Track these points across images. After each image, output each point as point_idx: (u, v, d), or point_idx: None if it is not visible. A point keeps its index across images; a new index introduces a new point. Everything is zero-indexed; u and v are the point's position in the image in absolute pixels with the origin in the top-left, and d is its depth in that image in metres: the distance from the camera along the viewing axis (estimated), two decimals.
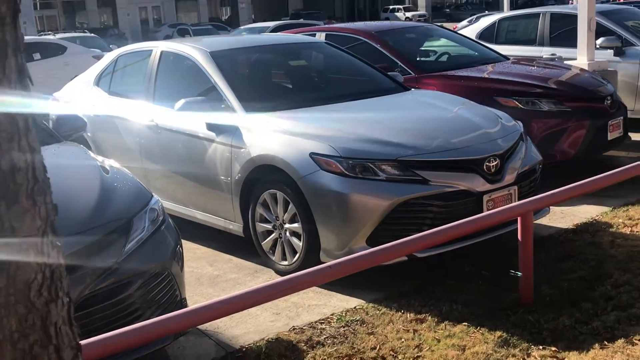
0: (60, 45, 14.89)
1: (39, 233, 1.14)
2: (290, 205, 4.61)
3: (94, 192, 3.42)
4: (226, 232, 5.27)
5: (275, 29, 16.19)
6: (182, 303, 3.57)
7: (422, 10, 54.54)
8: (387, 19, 53.08)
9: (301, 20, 24.83)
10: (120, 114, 6.09)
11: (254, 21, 50.12)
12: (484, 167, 4.56)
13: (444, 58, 8.10)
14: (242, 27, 20.41)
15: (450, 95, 5.76)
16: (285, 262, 4.73)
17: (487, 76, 7.01)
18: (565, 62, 8.20)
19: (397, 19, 52.34)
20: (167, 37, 40.05)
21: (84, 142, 6.45)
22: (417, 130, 4.75)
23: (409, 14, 53.26)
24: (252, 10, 57.19)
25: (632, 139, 7.54)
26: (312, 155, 4.48)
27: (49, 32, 29.99)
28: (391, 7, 56.43)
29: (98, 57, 15.19)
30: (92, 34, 22.03)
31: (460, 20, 40.39)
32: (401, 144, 4.52)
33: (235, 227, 5.11)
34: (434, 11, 56.20)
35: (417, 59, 7.65)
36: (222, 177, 5.07)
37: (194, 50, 5.68)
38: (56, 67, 12.68)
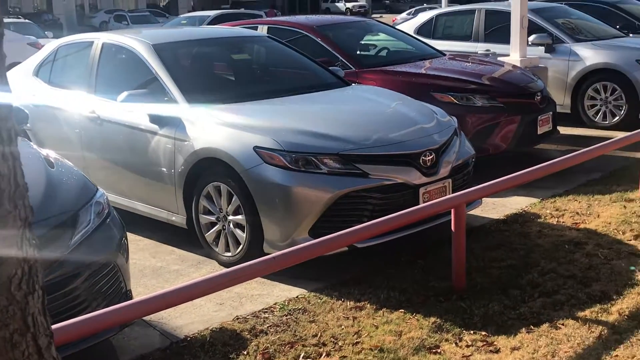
0: None
1: (19, 232, 1.24)
2: (234, 198, 4.71)
3: (39, 185, 3.44)
4: (169, 224, 5.33)
5: (216, 19, 16.13)
6: (128, 295, 3.64)
7: (362, 1, 54.92)
8: (327, 9, 53.31)
9: (242, 10, 24.75)
10: (61, 105, 6.05)
11: (194, 9, 49.53)
12: (420, 161, 4.75)
13: (384, 53, 8.30)
14: (181, 16, 20.25)
15: (389, 91, 5.95)
16: (229, 254, 4.84)
17: (424, 72, 7.24)
18: (498, 58, 8.51)
19: (338, 9, 52.63)
20: (103, 23, 39.38)
21: (23, 133, 6.40)
22: (357, 125, 4.91)
23: (349, 5, 53.59)
24: None
25: (561, 133, 7.90)
26: (256, 148, 4.59)
27: None
28: None
29: (33, 45, 14.88)
30: (27, 20, 21.47)
31: (399, 12, 41.05)
32: (342, 138, 4.67)
33: (179, 219, 5.18)
34: (374, 2, 56.71)
35: (358, 53, 7.83)
36: (165, 170, 5.13)
37: (136, 42, 5.70)
38: None
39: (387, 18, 34.39)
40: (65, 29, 35.58)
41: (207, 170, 4.88)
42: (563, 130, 8.24)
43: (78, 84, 6.03)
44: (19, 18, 24.01)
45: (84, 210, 3.50)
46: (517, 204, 6.02)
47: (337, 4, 54.48)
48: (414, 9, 31.44)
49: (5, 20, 20.64)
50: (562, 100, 9.04)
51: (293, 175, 4.47)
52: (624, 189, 6.15)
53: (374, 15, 47.09)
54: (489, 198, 6.03)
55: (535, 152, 7.60)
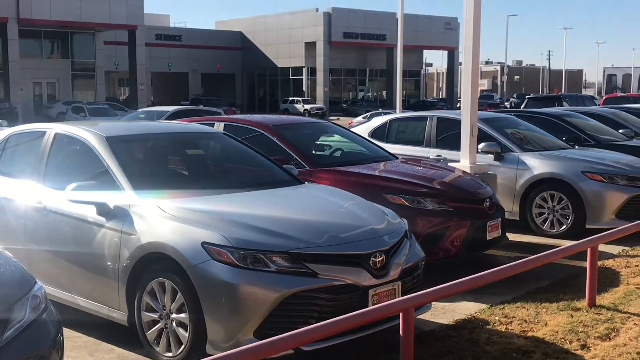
0: None
1: None
2: (179, 295, 4.58)
3: None
4: (109, 320, 5.13)
5: (174, 114, 16.23)
6: None
7: (320, 104, 56.28)
8: (286, 109, 54.34)
9: (201, 107, 25.06)
10: (7, 194, 5.92)
11: (153, 103, 50.04)
12: (370, 262, 4.73)
13: (338, 154, 8.42)
14: (139, 110, 20.34)
15: (341, 191, 5.99)
16: (170, 354, 4.65)
17: (377, 173, 7.34)
18: (449, 163, 8.71)
19: (296, 110, 53.71)
20: (61, 114, 39.27)
21: None
22: (308, 224, 4.89)
23: (307, 106, 54.77)
24: (151, 92, 57.17)
25: (510, 239, 8.00)
26: (204, 244, 4.51)
27: None
28: (290, 98, 57.96)
29: None
30: None
31: (356, 115, 42.09)
32: (292, 236, 4.64)
33: (120, 315, 5.00)
34: (332, 105, 58.11)
35: (312, 153, 7.92)
36: (109, 263, 4.99)
37: (89, 134, 5.67)
38: None
39: (344, 121, 35.24)
40: (20, 119, 35.43)
41: (152, 266, 4.77)
42: (512, 237, 8.36)
43: (27, 173, 5.93)
44: None
45: (19, 304, 3.36)
46: (466, 309, 5.99)
47: (295, 105, 55.64)
48: (369, 113, 32.31)
49: None
50: (511, 208, 9.23)
51: (240, 273, 4.39)
52: (571, 297, 6.19)
53: (331, 118, 48.20)
54: (439, 302, 6.01)
55: (484, 258, 7.66)
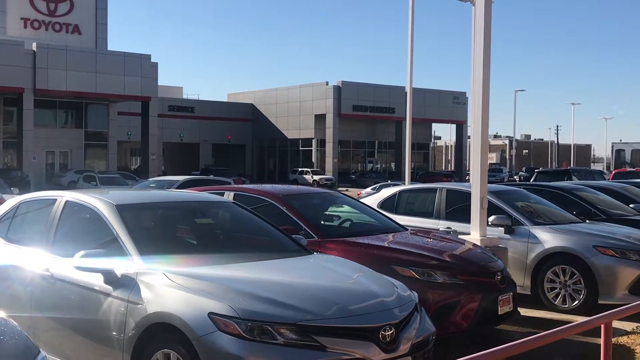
0: None
1: None
2: None
3: None
4: None
5: (185, 183, 16.35)
6: None
7: (329, 175, 56.59)
8: (295, 180, 54.64)
9: (211, 177, 25.24)
10: (15, 262, 5.90)
11: (164, 172, 50.45)
12: (380, 336, 4.63)
13: (347, 224, 8.39)
14: (150, 179, 20.54)
15: (350, 262, 5.93)
16: None
17: (386, 245, 7.28)
18: (459, 236, 8.64)
19: (306, 181, 54.00)
20: (72, 183, 39.62)
21: None
22: (316, 295, 4.82)
23: (316, 177, 55.09)
24: (162, 162, 57.75)
25: (522, 314, 7.85)
26: (211, 314, 4.45)
27: None
28: (300, 169, 58.37)
29: None
30: None
31: (365, 187, 42.23)
32: (300, 307, 4.57)
33: None
34: (341, 176, 58.40)
35: (321, 223, 7.89)
36: (115, 333, 4.92)
37: (99, 202, 5.69)
38: None
39: (353, 192, 35.31)
40: (32, 187, 35.71)
41: (158, 336, 4.69)
42: (523, 311, 8.21)
43: (35, 241, 5.93)
44: None
45: None
46: None
47: (304, 175, 55.97)
48: (378, 185, 32.41)
49: None
50: (522, 282, 9.10)
51: (247, 345, 4.31)
52: None
53: (340, 189, 48.35)
54: None
55: (495, 333, 7.50)
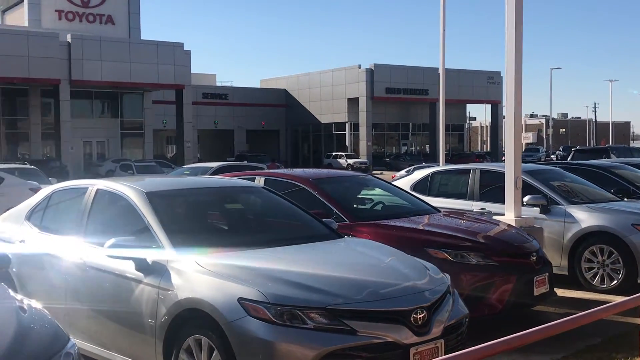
0: None
1: None
2: (215, 352, 4.49)
3: (6, 335, 3.27)
4: None
5: (218, 170, 16.41)
6: None
7: (363, 158, 56.43)
8: (329, 164, 54.65)
9: (245, 163, 25.33)
10: (49, 250, 5.97)
11: (200, 160, 50.86)
12: (411, 319, 4.58)
13: (379, 207, 8.32)
14: (184, 167, 20.64)
15: (382, 245, 5.87)
16: None
17: (418, 227, 7.20)
18: (494, 217, 8.52)
19: (340, 165, 53.94)
20: (110, 172, 40.16)
21: (8, 278, 6.27)
22: (346, 279, 4.78)
23: (350, 161, 54.99)
24: (198, 150, 58.20)
25: (559, 295, 7.72)
26: (241, 300, 4.43)
27: None
28: (334, 153, 58.31)
29: (34, 189, 15.05)
30: (32, 166, 21.94)
31: (399, 170, 41.99)
32: (330, 291, 4.53)
33: None
34: (375, 159, 58.21)
35: (352, 206, 7.83)
36: (147, 320, 4.94)
37: (129, 189, 5.71)
38: None
39: (387, 175, 35.15)
40: (71, 176, 36.29)
41: (189, 322, 4.70)
42: (560, 292, 8.08)
43: (68, 229, 5.99)
44: (25, 164, 24.54)
45: None
46: None
47: (338, 160, 55.91)
48: (412, 167, 32.18)
49: (11, 166, 21.12)
50: (559, 262, 8.95)
51: (277, 330, 4.29)
52: (623, 356, 5.89)
53: (374, 172, 48.22)
54: None
55: (532, 314, 7.39)
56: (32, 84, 44.47)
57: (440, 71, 25.29)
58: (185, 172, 18.32)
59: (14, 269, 6.26)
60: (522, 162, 9.17)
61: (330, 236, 5.92)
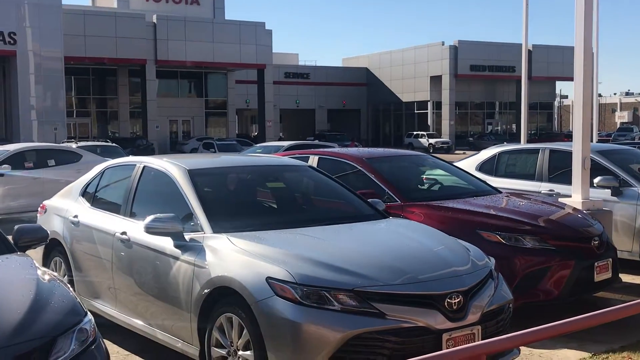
0: (76, 153, 15.31)
1: None
2: (245, 331, 4.46)
3: (20, 308, 3.33)
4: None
5: (289, 148, 16.44)
6: None
7: (445, 138, 55.41)
8: (410, 144, 53.98)
9: (315, 141, 25.32)
10: (98, 225, 6.09)
11: (281, 139, 51.35)
12: (445, 304, 4.40)
13: (435, 187, 8.08)
14: (257, 145, 20.86)
15: (424, 226, 5.67)
16: None
17: (472, 209, 6.92)
18: (560, 199, 8.13)
19: (421, 144, 53.16)
20: (194, 150, 41.07)
21: (63, 252, 6.46)
22: (379, 261, 4.63)
23: (432, 141, 54.12)
24: (280, 129, 58.70)
25: (629, 282, 7.30)
26: (269, 279, 4.37)
27: (72, 140, 30.91)
28: (415, 132, 57.52)
29: None
30: (113, 144, 22.66)
31: (482, 149, 40.96)
32: (360, 273, 4.40)
33: (192, 350, 4.94)
34: (458, 139, 57.01)
35: (405, 186, 7.61)
36: (184, 296, 4.96)
37: (172, 167, 5.74)
38: (68, 174, 12.86)
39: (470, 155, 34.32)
40: (155, 154, 37.41)
41: (221, 300, 4.68)
42: (631, 278, 7.64)
43: (116, 205, 6.09)
44: (107, 142, 25.42)
45: (64, 336, 3.34)
46: (565, 357, 5.47)
47: (420, 139, 55.08)
48: (495, 146, 31.37)
49: (93, 143, 21.92)
50: (631, 247, 8.45)
51: (302, 311, 4.20)
52: None
53: (457, 152, 47.33)
54: (535, 349, 5.54)
55: (595, 301, 7.02)
56: (120, 64, 45.88)
57: (523, 46, 24.35)
58: (258, 150, 18.49)
59: (67, 245, 6.44)
60: (613, 143, 8.66)
61: (374, 217, 5.76)
